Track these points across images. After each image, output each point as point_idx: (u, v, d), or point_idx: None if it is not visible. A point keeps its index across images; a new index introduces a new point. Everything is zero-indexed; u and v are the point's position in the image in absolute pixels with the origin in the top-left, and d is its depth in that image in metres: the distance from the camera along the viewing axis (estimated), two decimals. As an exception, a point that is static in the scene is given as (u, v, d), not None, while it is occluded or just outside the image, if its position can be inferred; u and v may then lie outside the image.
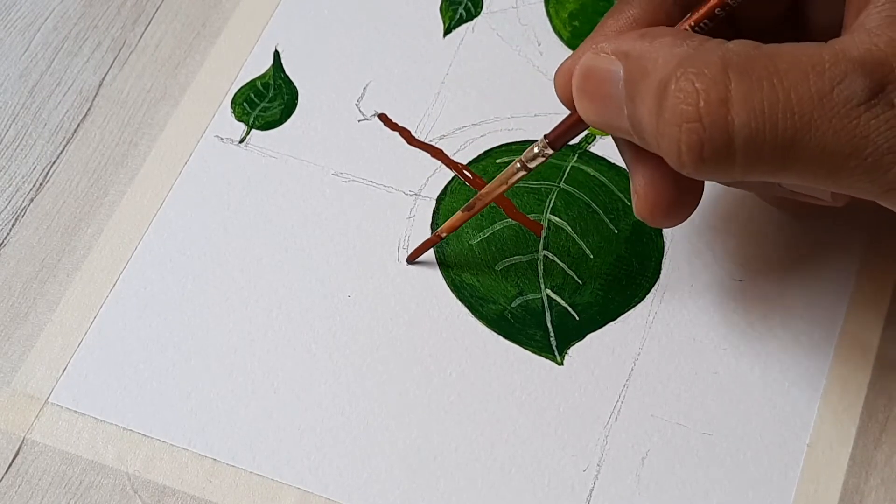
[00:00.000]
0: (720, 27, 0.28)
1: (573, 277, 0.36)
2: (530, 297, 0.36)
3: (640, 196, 0.30)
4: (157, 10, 0.41)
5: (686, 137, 0.26)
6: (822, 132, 0.25)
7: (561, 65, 0.31)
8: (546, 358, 0.35)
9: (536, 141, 0.32)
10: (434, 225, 0.37)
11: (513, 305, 0.36)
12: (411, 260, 0.37)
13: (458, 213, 0.35)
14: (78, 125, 0.39)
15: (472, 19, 0.41)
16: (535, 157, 0.32)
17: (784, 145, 0.25)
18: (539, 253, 0.37)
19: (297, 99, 0.40)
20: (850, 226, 0.37)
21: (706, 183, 0.37)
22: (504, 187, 0.34)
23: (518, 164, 0.33)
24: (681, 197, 0.30)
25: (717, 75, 0.25)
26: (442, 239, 0.36)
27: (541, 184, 0.38)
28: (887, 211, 0.37)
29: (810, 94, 0.25)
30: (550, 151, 0.32)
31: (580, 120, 0.30)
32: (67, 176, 0.38)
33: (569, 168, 0.38)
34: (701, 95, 0.25)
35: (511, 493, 0.33)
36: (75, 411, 0.34)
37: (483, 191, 0.34)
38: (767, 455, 0.34)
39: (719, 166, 0.26)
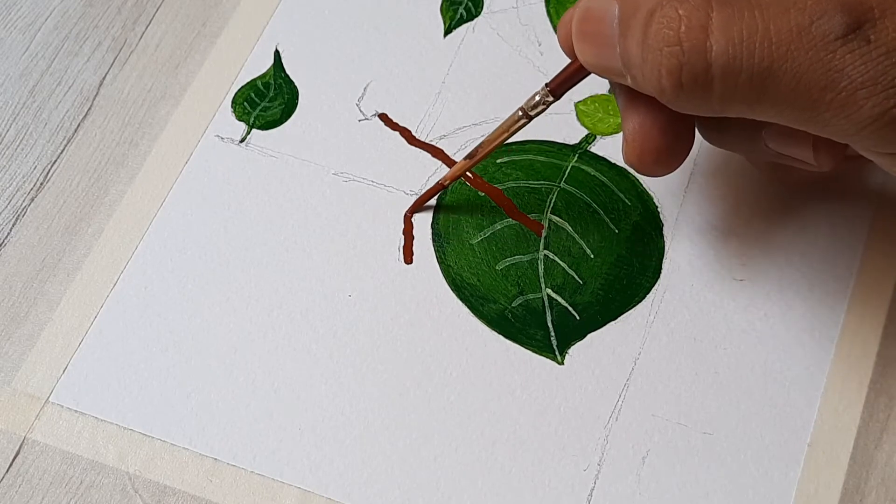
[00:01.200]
0: None
1: (574, 277, 0.36)
2: (531, 296, 0.36)
3: (629, 141, 0.31)
4: (157, 9, 0.41)
5: (666, 61, 0.27)
6: (798, 63, 0.26)
7: (563, 15, 0.31)
8: (546, 357, 0.35)
9: (538, 90, 0.33)
10: (434, 224, 0.37)
11: (513, 305, 0.36)
12: (413, 210, 0.37)
13: (461, 162, 0.35)
14: (78, 125, 0.39)
15: (472, 19, 0.41)
16: (536, 105, 0.33)
17: (760, 74, 0.26)
18: (539, 252, 0.37)
19: (297, 98, 0.40)
20: (851, 225, 0.37)
21: (709, 179, 0.38)
22: (506, 135, 0.34)
23: (519, 113, 0.33)
24: (669, 144, 0.31)
25: (700, 3, 0.27)
26: (445, 188, 0.37)
27: (541, 183, 0.38)
28: (888, 210, 0.37)
29: (789, 26, 0.26)
30: (551, 99, 0.32)
31: (580, 67, 0.31)
32: (68, 175, 0.38)
33: (569, 168, 0.38)
34: (683, 21, 0.27)
35: (511, 492, 0.33)
36: (76, 411, 0.34)
37: (485, 139, 0.35)
38: (768, 455, 0.34)
39: (696, 92, 0.27)
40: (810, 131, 0.28)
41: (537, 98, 0.33)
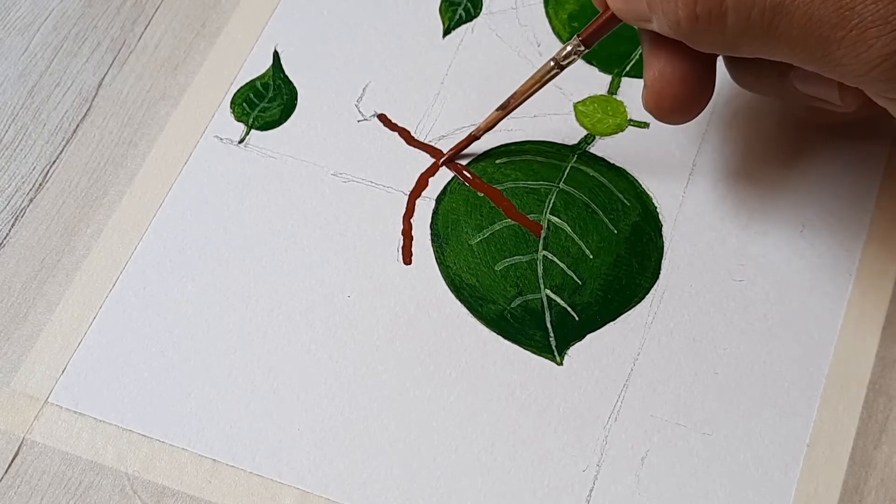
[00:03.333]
0: None
1: (573, 278, 0.36)
2: (530, 297, 0.36)
3: (649, 87, 0.32)
4: (156, 10, 0.41)
5: None
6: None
7: None
8: (546, 358, 0.35)
9: (570, 40, 0.34)
10: (433, 225, 0.37)
11: (512, 306, 0.36)
12: (448, 159, 0.38)
13: (494, 113, 0.37)
14: (77, 125, 0.39)
15: (471, 20, 0.41)
16: (568, 55, 0.34)
17: (772, 8, 0.27)
18: (538, 253, 0.37)
19: (296, 99, 0.40)
20: (850, 227, 0.37)
21: (708, 180, 0.38)
22: (537, 86, 0.35)
23: (552, 63, 0.34)
24: (687, 92, 0.32)
25: None
26: (477, 138, 0.37)
27: (540, 184, 0.38)
28: (887, 212, 0.37)
29: None
30: (583, 49, 0.34)
31: (611, 17, 0.32)
32: (67, 176, 0.38)
33: (568, 168, 0.38)
34: None
35: (511, 493, 0.33)
36: (75, 411, 0.34)
37: (517, 90, 0.36)
38: (767, 455, 0.34)
39: (711, 25, 0.29)
40: (823, 73, 0.29)
41: (569, 48, 0.34)
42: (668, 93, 0.32)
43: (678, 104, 0.32)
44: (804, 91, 0.32)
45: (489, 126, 0.37)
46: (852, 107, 0.32)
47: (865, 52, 0.27)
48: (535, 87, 0.35)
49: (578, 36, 0.33)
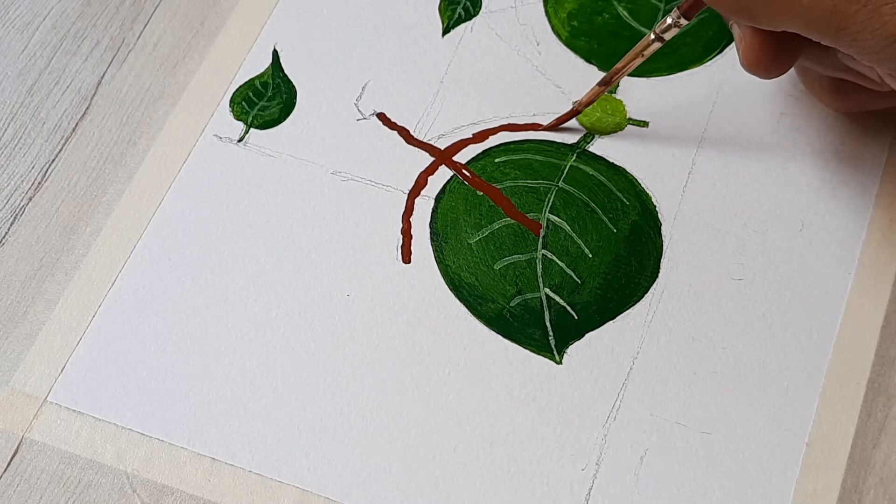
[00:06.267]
0: None
1: (572, 277, 0.36)
2: (529, 296, 0.36)
3: (748, 41, 0.32)
4: (155, 8, 0.41)
5: None
6: None
7: None
8: (545, 357, 0.35)
9: (669, 13, 0.34)
10: (433, 223, 0.37)
11: (512, 304, 0.36)
12: (551, 128, 0.39)
13: (595, 87, 0.37)
14: (76, 124, 0.39)
15: (470, 19, 0.41)
16: (668, 27, 0.35)
17: None
18: (538, 252, 0.37)
19: (295, 98, 0.40)
20: (849, 227, 0.37)
21: (707, 179, 0.38)
22: (639, 59, 0.36)
23: (652, 36, 0.35)
24: (779, 45, 0.32)
25: None
26: (578, 113, 0.38)
27: (539, 183, 0.38)
28: (887, 212, 0.37)
29: None
30: (684, 22, 0.34)
31: None
32: (66, 175, 0.38)
33: (567, 167, 0.38)
34: None
35: (510, 492, 0.33)
36: (74, 410, 0.34)
37: (619, 64, 0.36)
38: (766, 454, 0.34)
39: None
40: (840, 48, 0.29)
41: (669, 21, 0.34)
42: (766, 47, 0.32)
43: (775, 56, 0.32)
44: (846, 63, 0.32)
45: (591, 100, 0.38)
46: (887, 87, 0.32)
47: (880, 29, 0.27)
48: (636, 61, 0.36)
49: (679, 8, 0.34)
